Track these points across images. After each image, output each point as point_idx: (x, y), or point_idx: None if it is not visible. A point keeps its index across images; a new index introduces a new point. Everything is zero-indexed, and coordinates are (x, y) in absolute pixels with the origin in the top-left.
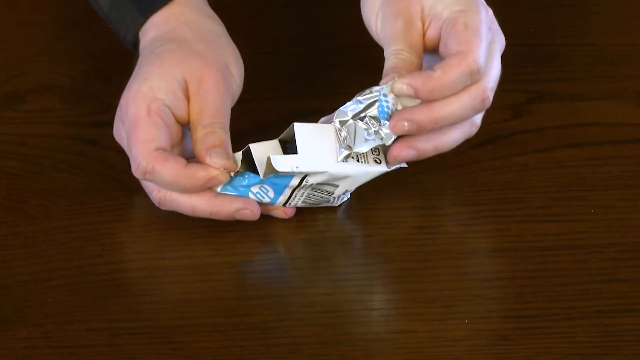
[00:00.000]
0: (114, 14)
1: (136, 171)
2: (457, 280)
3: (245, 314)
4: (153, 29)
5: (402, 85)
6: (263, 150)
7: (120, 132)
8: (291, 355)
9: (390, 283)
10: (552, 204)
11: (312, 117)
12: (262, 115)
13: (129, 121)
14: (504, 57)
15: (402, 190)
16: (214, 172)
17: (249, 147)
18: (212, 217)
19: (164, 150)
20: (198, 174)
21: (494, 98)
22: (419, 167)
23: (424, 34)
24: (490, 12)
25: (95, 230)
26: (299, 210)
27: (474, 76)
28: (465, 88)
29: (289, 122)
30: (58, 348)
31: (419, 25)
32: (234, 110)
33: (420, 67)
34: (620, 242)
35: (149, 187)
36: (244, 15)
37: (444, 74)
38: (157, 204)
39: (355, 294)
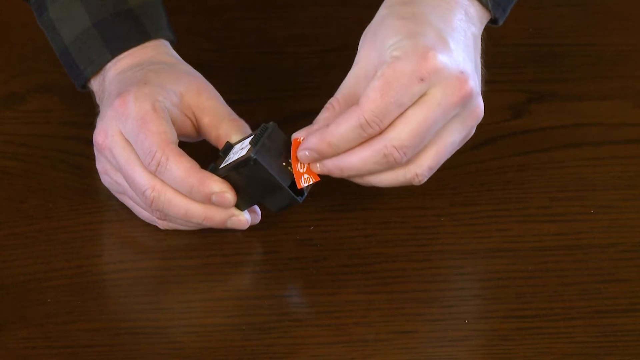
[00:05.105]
0: (76, 47)
1: (149, 163)
2: (457, 280)
3: (245, 314)
4: (128, 58)
5: (304, 153)
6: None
7: (109, 132)
8: (291, 355)
9: (390, 283)
10: (552, 204)
11: (312, 117)
12: (262, 115)
13: (133, 118)
14: (505, 57)
15: (402, 190)
16: (225, 188)
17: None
18: (204, 223)
19: (177, 145)
20: (208, 179)
21: (494, 98)
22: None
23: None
24: (435, 55)
25: (95, 230)
26: (298, 210)
27: (366, 129)
28: (367, 141)
29: (289, 122)
30: (58, 348)
31: (372, 73)
32: (234, 110)
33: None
34: (620, 242)
35: (141, 185)
36: (244, 15)
37: (336, 128)
38: (147, 205)
39: (355, 294)
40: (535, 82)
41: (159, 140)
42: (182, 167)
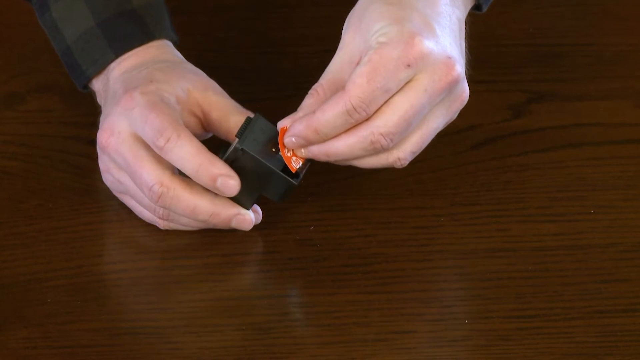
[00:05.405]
0: (79, 47)
1: (158, 139)
2: (457, 280)
3: (245, 314)
4: (132, 58)
5: (290, 139)
6: None
7: (115, 129)
8: (291, 355)
9: (390, 283)
10: (552, 204)
11: None
12: (262, 115)
13: (142, 106)
14: (505, 57)
15: (402, 190)
16: (232, 174)
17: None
18: (210, 220)
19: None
20: (218, 162)
21: (494, 98)
22: (419, 167)
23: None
24: (421, 41)
25: (95, 230)
26: (298, 210)
27: (353, 115)
28: (353, 128)
29: None
30: (58, 348)
31: (357, 58)
32: None
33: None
34: (620, 242)
35: (148, 180)
36: (244, 15)
37: (322, 114)
38: (154, 201)
39: (355, 294)
40: (535, 82)
41: (170, 119)
42: (193, 145)
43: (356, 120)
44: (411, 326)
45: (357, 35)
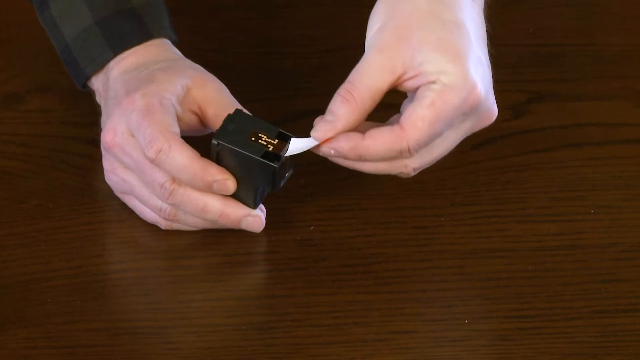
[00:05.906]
0: (78, 45)
1: (150, 149)
2: (457, 280)
3: (245, 314)
4: (132, 57)
5: (329, 150)
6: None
7: (118, 130)
8: (291, 355)
9: (390, 283)
10: (552, 204)
11: (312, 117)
12: (262, 115)
13: (139, 110)
14: (505, 57)
15: (402, 190)
16: (227, 176)
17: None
18: (220, 220)
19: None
20: (212, 168)
21: (495, 98)
22: None
23: (398, 79)
24: (480, 91)
25: (95, 230)
26: (298, 210)
27: (405, 154)
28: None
29: (289, 122)
30: (58, 348)
31: (399, 70)
32: None
33: (366, 108)
34: (620, 242)
35: (160, 177)
36: (244, 15)
37: (374, 145)
38: (164, 198)
39: (355, 294)
40: (535, 82)
41: (161, 128)
42: (185, 155)
43: (404, 158)
44: (411, 326)
45: (404, 45)
